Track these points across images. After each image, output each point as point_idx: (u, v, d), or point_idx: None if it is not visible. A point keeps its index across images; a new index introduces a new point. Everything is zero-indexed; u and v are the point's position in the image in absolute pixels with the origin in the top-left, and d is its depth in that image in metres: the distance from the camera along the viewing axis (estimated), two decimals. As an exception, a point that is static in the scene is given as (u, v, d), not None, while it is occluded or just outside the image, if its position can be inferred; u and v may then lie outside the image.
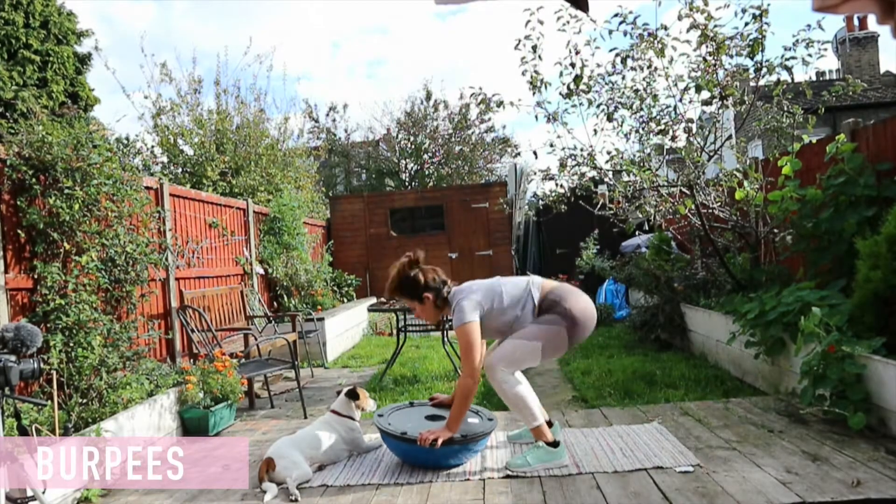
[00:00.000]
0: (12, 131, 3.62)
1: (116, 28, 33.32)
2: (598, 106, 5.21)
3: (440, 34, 42.60)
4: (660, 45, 4.77)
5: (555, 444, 2.91)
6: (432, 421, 3.10)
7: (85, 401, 3.36)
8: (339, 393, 3.42)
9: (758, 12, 4.41)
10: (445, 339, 5.22)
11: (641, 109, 5.17)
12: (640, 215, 5.66)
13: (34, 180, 3.48)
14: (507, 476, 2.84)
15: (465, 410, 2.91)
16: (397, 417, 3.17)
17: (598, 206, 5.99)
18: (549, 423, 3.04)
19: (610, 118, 5.21)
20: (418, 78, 39.22)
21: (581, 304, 2.94)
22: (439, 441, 2.80)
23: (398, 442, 2.96)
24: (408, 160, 18.19)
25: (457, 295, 3.00)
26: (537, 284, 3.02)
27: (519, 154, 18.41)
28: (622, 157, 5.41)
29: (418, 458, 2.98)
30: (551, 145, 5.49)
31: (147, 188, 4.75)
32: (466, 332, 2.85)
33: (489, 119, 17.60)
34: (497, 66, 35.38)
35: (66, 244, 3.60)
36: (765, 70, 4.53)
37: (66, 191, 3.59)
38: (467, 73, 36.38)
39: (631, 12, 4.81)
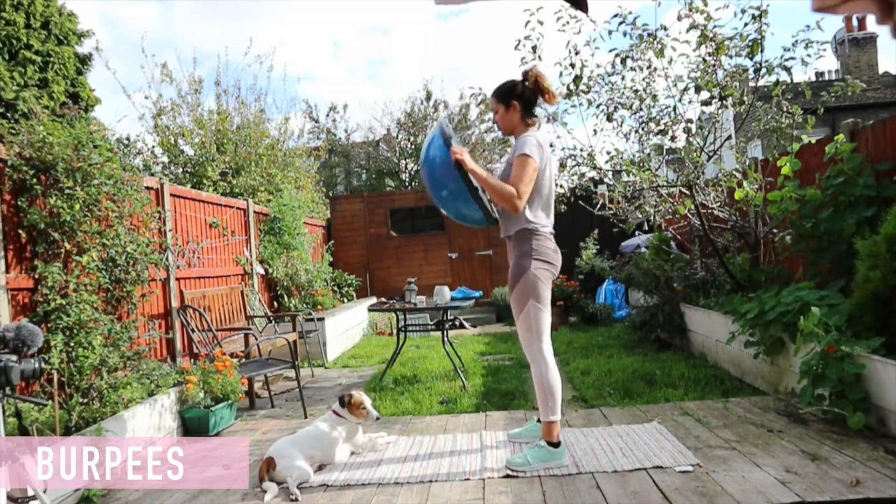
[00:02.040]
0: (13, 132, 3.62)
1: (119, 29, 33.38)
2: (597, 106, 5.22)
3: (441, 34, 42.65)
4: (659, 46, 4.78)
5: (556, 445, 2.92)
6: None
7: (86, 400, 3.36)
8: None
9: (757, 13, 4.41)
10: (445, 339, 5.22)
11: (641, 110, 5.17)
12: (640, 215, 5.67)
13: (35, 180, 3.49)
14: (507, 476, 2.85)
15: (492, 187, 2.85)
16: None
17: (598, 206, 6.00)
18: None
19: (609, 118, 5.22)
20: (419, 78, 39.23)
21: (546, 245, 2.98)
22: (461, 158, 2.78)
23: (443, 145, 2.88)
24: (408, 160, 18.19)
25: (532, 131, 2.99)
26: (546, 218, 3.03)
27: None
28: (622, 158, 5.42)
29: (434, 164, 2.91)
30: (551, 145, 5.49)
31: (147, 188, 4.75)
32: (525, 162, 2.84)
33: (489, 119, 17.61)
34: (498, 67, 35.41)
35: (66, 244, 3.61)
36: (764, 70, 4.53)
37: (67, 191, 3.60)
38: (468, 74, 36.43)
39: (630, 13, 4.82)
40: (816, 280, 4.09)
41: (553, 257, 3.01)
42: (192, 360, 4.75)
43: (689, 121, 5.03)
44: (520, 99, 3.01)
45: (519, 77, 3.08)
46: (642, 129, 5.29)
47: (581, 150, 5.40)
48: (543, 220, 3.01)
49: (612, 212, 5.88)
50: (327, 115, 18.35)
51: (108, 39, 32.82)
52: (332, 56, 43.17)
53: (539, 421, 3.11)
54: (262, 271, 7.31)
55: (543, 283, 2.95)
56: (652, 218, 5.59)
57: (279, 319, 6.56)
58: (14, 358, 2.14)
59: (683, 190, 5.11)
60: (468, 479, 2.84)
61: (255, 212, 7.35)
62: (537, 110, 3.09)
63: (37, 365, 2.20)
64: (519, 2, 4.94)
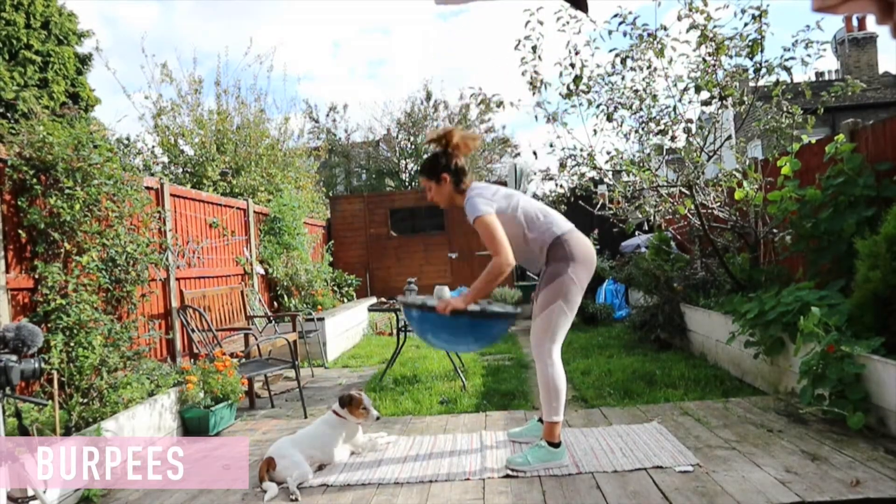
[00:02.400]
0: (13, 132, 3.62)
1: (120, 29, 33.41)
2: (597, 106, 5.22)
3: (441, 34, 42.67)
4: (659, 46, 4.78)
5: (557, 445, 2.92)
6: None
7: (86, 400, 3.36)
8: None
9: (757, 13, 4.41)
10: (445, 339, 5.21)
11: (641, 110, 5.18)
12: (640, 215, 5.67)
13: (35, 180, 3.49)
14: (507, 476, 2.84)
15: (489, 288, 2.83)
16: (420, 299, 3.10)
17: (598, 206, 6.00)
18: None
19: (610, 118, 5.22)
20: (419, 78, 39.27)
21: (581, 243, 2.92)
22: (448, 308, 2.73)
23: (417, 311, 2.89)
24: (408, 160, 18.21)
25: (471, 191, 2.96)
26: (558, 223, 2.95)
27: (519, 154, 18.48)
28: (622, 158, 5.42)
29: (433, 327, 2.89)
30: (551, 145, 5.51)
31: (148, 188, 4.75)
32: (484, 223, 2.79)
33: (489, 119, 17.64)
34: (499, 67, 35.47)
35: (66, 244, 3.61)
36: (764, 70, 4.53)
37: (67, 191, 3.60)
38: (469, 74, 36.52)
39: (630, 13, 4.82)
40: (816, 280, 4.09)
41: (589, 255, 2.92)
42: (193, 360, 4.75)
43: (689, 121, 5.03)
44: (447, 170, 3.00)
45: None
46: (642, 129, 5.29)
47: (581, 150, 5.41)
48: (554, 225, 2.92)
49: (612, 212, 5.88)
50: (327, 115, 18.41)
51: (109, 39, 32.88)
52: (333, 56, 43.24)
53: (540, 420, 3.10)
54: (262, 271, 7.31)
55: (578, 287, 2.87)
56: (652, 218, 5.59)
57: (279, 319, 6.56)
58: (14, 358, 2.14)
59: (683, 190, 5.11)
60: (468, 479, 2.84)
61: (255, 212, 7.35)
62: (469, 173, 3.06)
63: (37, 365, 2.20)
64: (519, 2, 4.94)
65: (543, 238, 2.91)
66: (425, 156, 3.04)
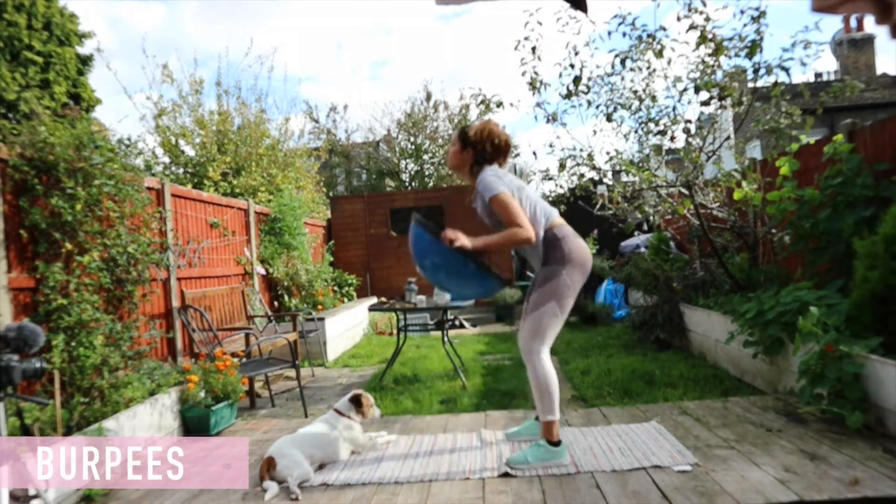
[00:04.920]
0: (14, 132, 3.63)
1: (126, 30, 33.44)
2: (597, 107, 5.24)
3: (443, 35, 42.69)
4: (659, 47, 4.79)
5: (557, 444, 2.93)
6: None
7: (87, 400, 3.37)
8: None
9: (756, 14, 4.42)
10: (445, 338, 5.23)
11: (640, 110, 5.19)
12: (639, 215, 5.69)
13: (36, 180, 3.50)
14: (507, 475, 2.86)
15: (500, 244, 2.86)
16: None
17: (598, 206, 6.01)
18: None
19: (609, 119, 5.23)
20: (421, 79, 39.27)
21: (577, 246, 2.93)
22: (456, 242, 2.71)
23: (424, 232, 2.83)
24: (408, 160, 18.20)
25: (485, 171, 2.98)
26: (548, 214, 2.99)
27: (519, 154, 18.44)
28: (621, 158, 5.43)
29: (430, 253, 2.83)
30: (551, 146, 5.53)
31: (149, 188, 4.76)
32: (502, 200, 2.80)
33: (489, 119, 17.61)
34: (501, 68, 35.45)
35: (67, 244, 3.62)
36: (763, 71, 4.55)
37: (69, 191, 3.61)
38: (471, 75, 36.51)
39: (630, 13, 4.84)
40: (815, 280, 4.10)
41: (586, 258, 2.94)
42: (193, 360, 4.77)
43: (689, 121, 5.04)
44: (473, 146, 3.05)
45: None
46: (642, 129, 5.30)
47: (581, 150, 5.42)
48: (553, 222, 2.96)
49: (611, 212, 5.89)
50: (328, 116, 18.38)
51: (115, 40, 32.84)
52: (336, 57, 43.24)
53: (537, 419, 3.12)
54: (263, 271, 7.32)
55: (572, 290, 2.89)
56: (651, 218, 5.61)
57: (280, 319, 6.56)
58: (16, 357, 2.15)
59: (682, 190, 5.13)
60: (468, 479, 2.85)
61: (255, 212, 7.36)
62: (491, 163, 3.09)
63: (38, 364, 2.21)
64: (519, 2, 4.96)
65: (543, 235, 2.92)
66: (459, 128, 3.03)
